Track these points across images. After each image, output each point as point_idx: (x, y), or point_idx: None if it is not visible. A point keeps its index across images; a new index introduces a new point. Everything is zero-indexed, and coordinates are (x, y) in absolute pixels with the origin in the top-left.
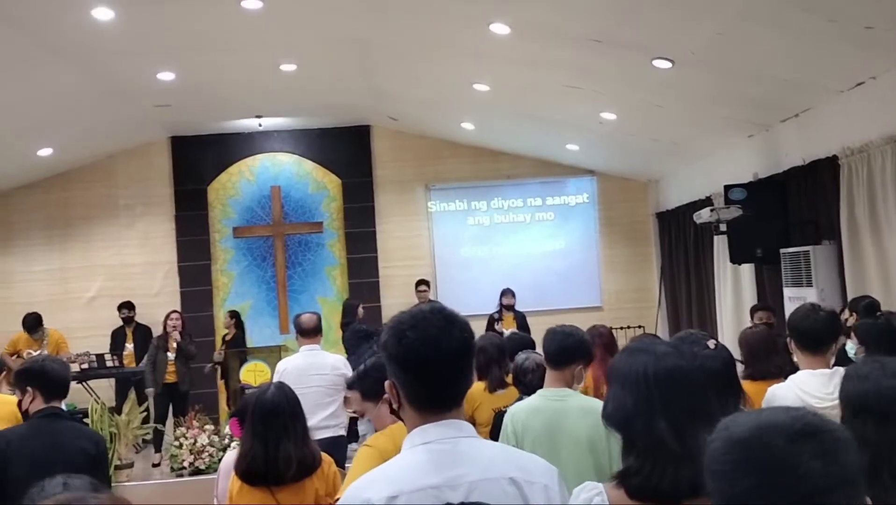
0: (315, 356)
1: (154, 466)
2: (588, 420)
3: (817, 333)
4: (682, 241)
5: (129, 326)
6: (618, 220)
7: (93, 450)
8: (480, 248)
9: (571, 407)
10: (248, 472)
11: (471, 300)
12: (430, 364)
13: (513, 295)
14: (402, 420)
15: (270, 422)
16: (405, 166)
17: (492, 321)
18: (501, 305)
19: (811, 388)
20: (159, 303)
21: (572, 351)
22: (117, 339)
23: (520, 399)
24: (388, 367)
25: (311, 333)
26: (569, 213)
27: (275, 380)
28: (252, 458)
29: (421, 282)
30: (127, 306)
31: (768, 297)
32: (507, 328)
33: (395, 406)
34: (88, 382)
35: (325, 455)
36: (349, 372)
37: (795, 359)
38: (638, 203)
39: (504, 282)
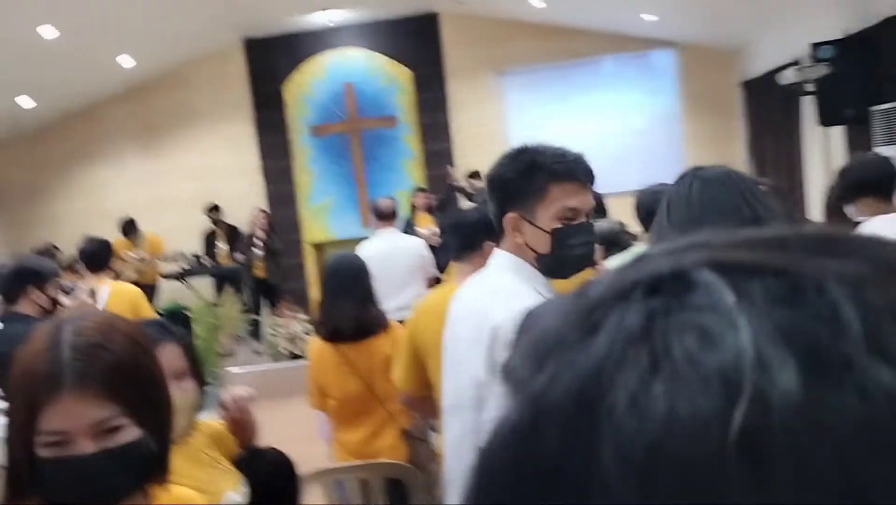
0: (395, 240)
1: (256, 353)
2: None
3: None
4: (768, 109)
5: (220, 227)
6: (701, 92)
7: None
8: (558, 131)
9: None
10: (316, 326)
11: None
12: None
13: None
14: None
15: (330, 282)
16: (475, 53)
17: None
18: None
19: (889, 229)
20: (247, 204)
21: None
22: (210, 240)
23: None
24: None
25: (389, 216)
26: (649, 88)
27: None
28: (318, 313)
29: None
30: (213, 209)
31: None
32: None
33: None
34: (188, 280)
35: (396, 322)
36: (428, 253)
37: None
38: (722, 73)
39: None
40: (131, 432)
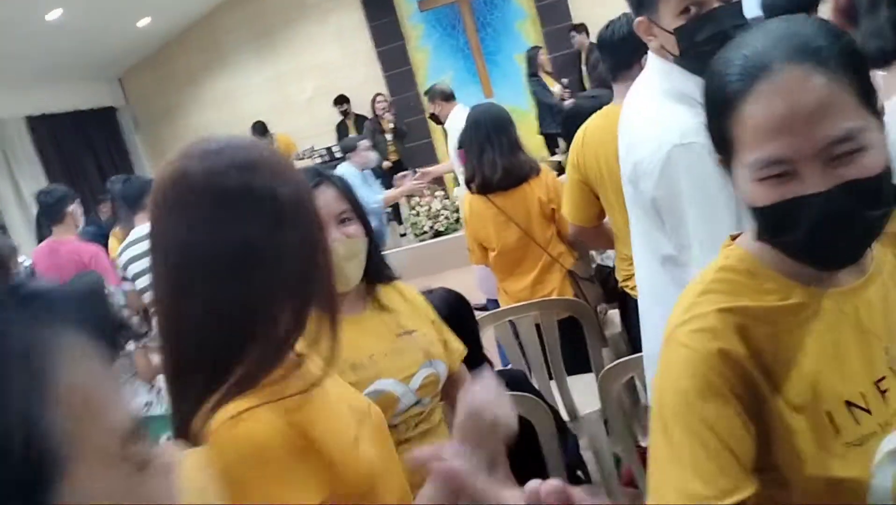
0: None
1: (401, 235)
2: None
3: None
4: None
5: (349, 119)
6: None
7: None
8: None
9: None
10: (467, 181)
11: None
12: None
13: None
14: None
15: (474, 134)
16: None
17: None
18: None
19: None
20: (367, 91)
21: None
22: (341, 131)
23: None
24: None
25: (453, 95)
26: None
27: None
28: (466, 167)
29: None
30: (341, 100)
31: None
32: None
33: None
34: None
35: (545, 166)
36: None
37: None
38: None
39: None
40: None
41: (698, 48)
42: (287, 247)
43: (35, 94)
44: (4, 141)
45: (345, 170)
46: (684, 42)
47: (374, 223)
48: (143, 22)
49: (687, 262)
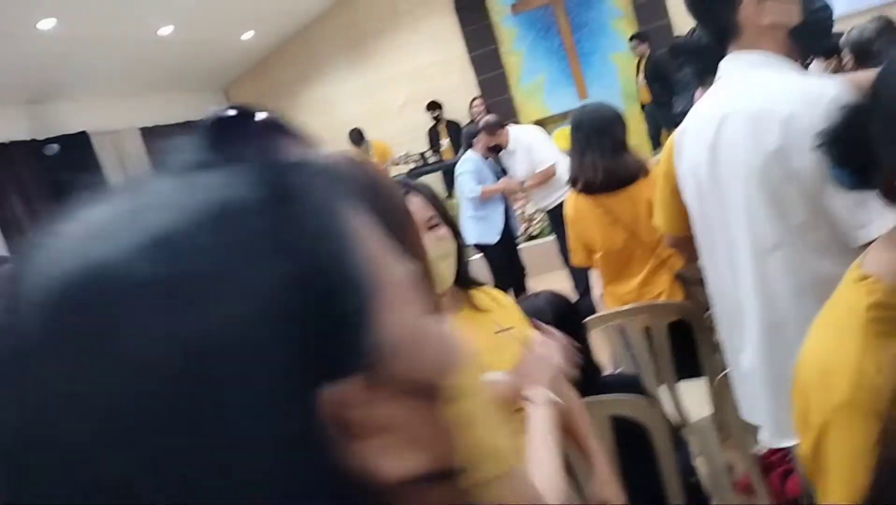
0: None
1: None
2: None
3: None
4: None
5: (441, 124)
6: None
7: None
8: None
9: None
10: (571, 181)
11: None
12: None
13: None
14: None
15: (575, 135)
16: None
17: None
18: None
19: None
20: (461, 96)
21: None
22: (433, 137)
23: None
24: None
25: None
26: None
27: None
28: (570, 167)
29: None
30: (433, 106)
31: None
32: None
33: None
34: (418, 179)
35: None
36: None
37: None
38: None
39: None
40: None
41: (822, 12)
42: (416, 246)
43: (147, 105)
44: (121, 151)
45: (467, 156)
46: (810, 3)
47: (500, 206)
48: (248, 35)
49: (868, 227)
